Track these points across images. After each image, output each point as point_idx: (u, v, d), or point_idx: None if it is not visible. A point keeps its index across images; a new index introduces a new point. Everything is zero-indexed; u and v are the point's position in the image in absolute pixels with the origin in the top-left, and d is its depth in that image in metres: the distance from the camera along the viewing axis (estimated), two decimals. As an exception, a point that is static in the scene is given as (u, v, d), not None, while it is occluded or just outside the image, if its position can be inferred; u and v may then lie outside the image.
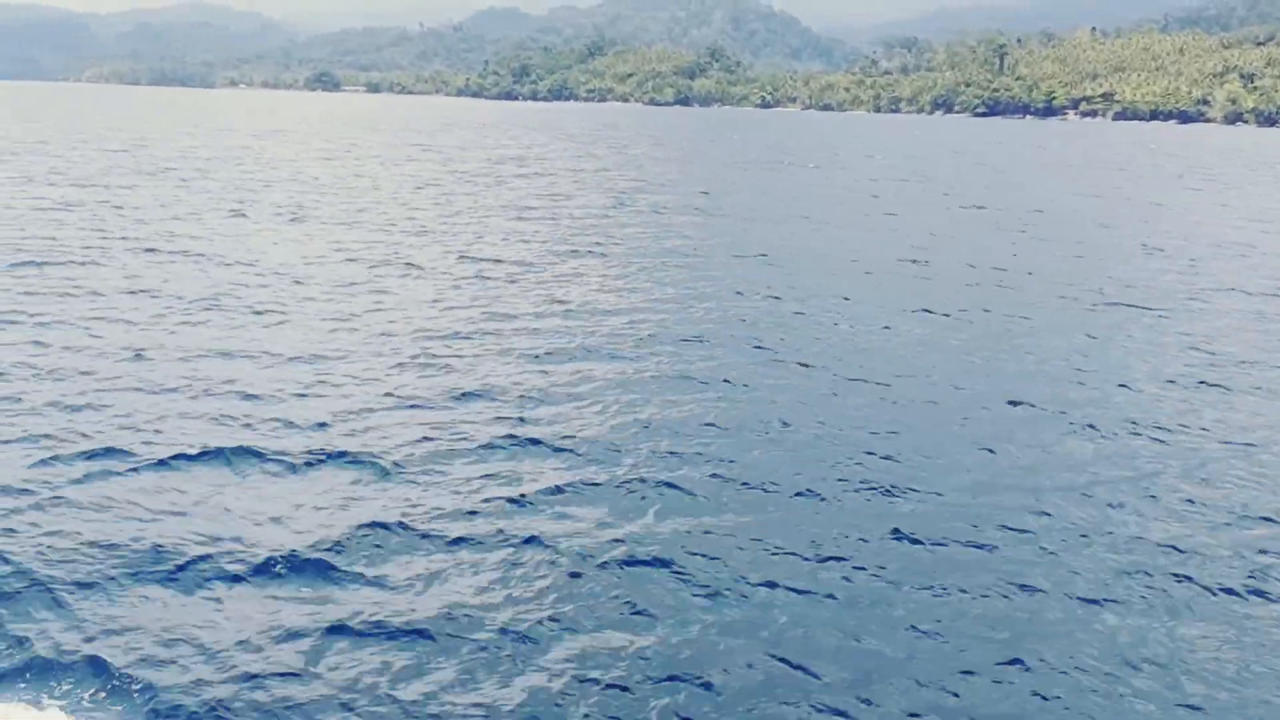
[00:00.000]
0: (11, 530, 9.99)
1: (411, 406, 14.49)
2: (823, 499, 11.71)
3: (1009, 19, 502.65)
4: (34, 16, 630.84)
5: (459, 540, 10.39)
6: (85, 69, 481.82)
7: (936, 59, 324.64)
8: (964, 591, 9.64)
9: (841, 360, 17.74)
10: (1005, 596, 9.57)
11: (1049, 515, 11.41)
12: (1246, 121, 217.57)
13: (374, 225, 32.15)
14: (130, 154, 59.29)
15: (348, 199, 39.56)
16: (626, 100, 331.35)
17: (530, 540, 10.45)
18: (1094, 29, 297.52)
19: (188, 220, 31.44)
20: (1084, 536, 10.89)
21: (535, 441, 13.26)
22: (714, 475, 12.29)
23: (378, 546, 10.23)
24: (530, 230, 32.44)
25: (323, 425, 13.40)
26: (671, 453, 13.08)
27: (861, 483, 12.19)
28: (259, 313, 19.39)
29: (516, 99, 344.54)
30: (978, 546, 10.62)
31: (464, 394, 15.14)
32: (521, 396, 15.13)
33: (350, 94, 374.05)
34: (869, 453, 13.16)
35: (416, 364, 16.60)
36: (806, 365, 17.38)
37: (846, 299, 22.87)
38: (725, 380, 16.42)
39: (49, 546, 9.74)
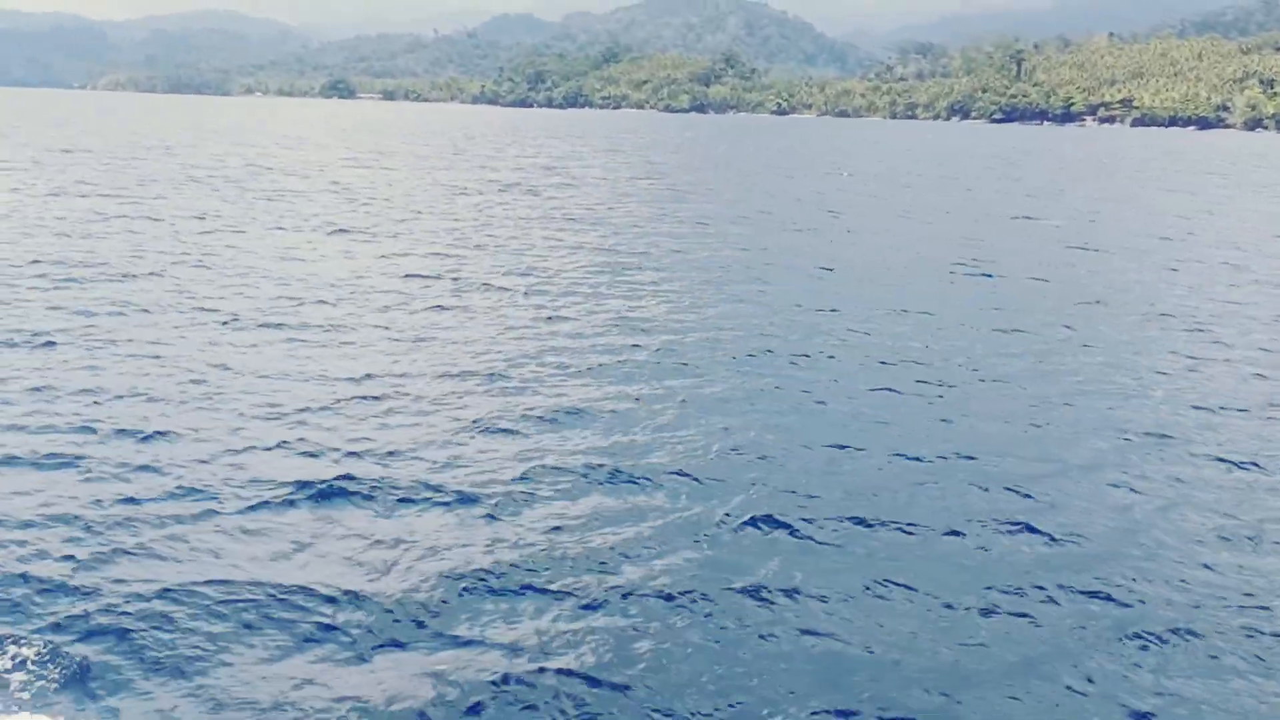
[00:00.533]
0: (96, 590, 9.03)
1: (497, 433, 13.53)
2: (978, 547, 10.65)
3: (1024, 24, 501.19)
4: (51, 24, 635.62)
5: (581, 598, 9.39)
6: (102, 76, 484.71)
7: (953, 65, 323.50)
8: (1166, 669, 8.59)
9: (950, 384, 16.65)
10: (1220, 678, 8.53)
11: (1235, 572, 10.33)
12: (1266, 128, 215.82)
13: (417, 238, 31.27)
14: (158, 163, 58.67)
15: (385, 209, 38.69)
16: (641, 107, 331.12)
17: (658, 596, 9.45)
18: (1111, 34, 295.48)
19: (229, 233, 30.59)
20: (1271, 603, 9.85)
21: (635, 475, 12.28)
22: (848, 518, 11.27)
23: (494, 602, 9.26)
24: (578, 241, 31.51)
25: (411, 457, 12.44)
26: (787, 490, 12.06)
27: (1008, 525, 11.14)
28: (323, 330, 18.46)
29: (531, 106, 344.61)
30: (1159, 609, 9.54)
31: (549, 420, 14.17)
32: (610, 421, 14.17)
33: (365, 101, 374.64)
34: (1008, 488, 12.12)
35: (492, 386, 15.65)
36: (899, 392, 16.31)
37: (929, 314, 21.84)
38: (821, 402, 15.45)
39: (137, 607, 8.79)
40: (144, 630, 8.42)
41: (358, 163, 64.76)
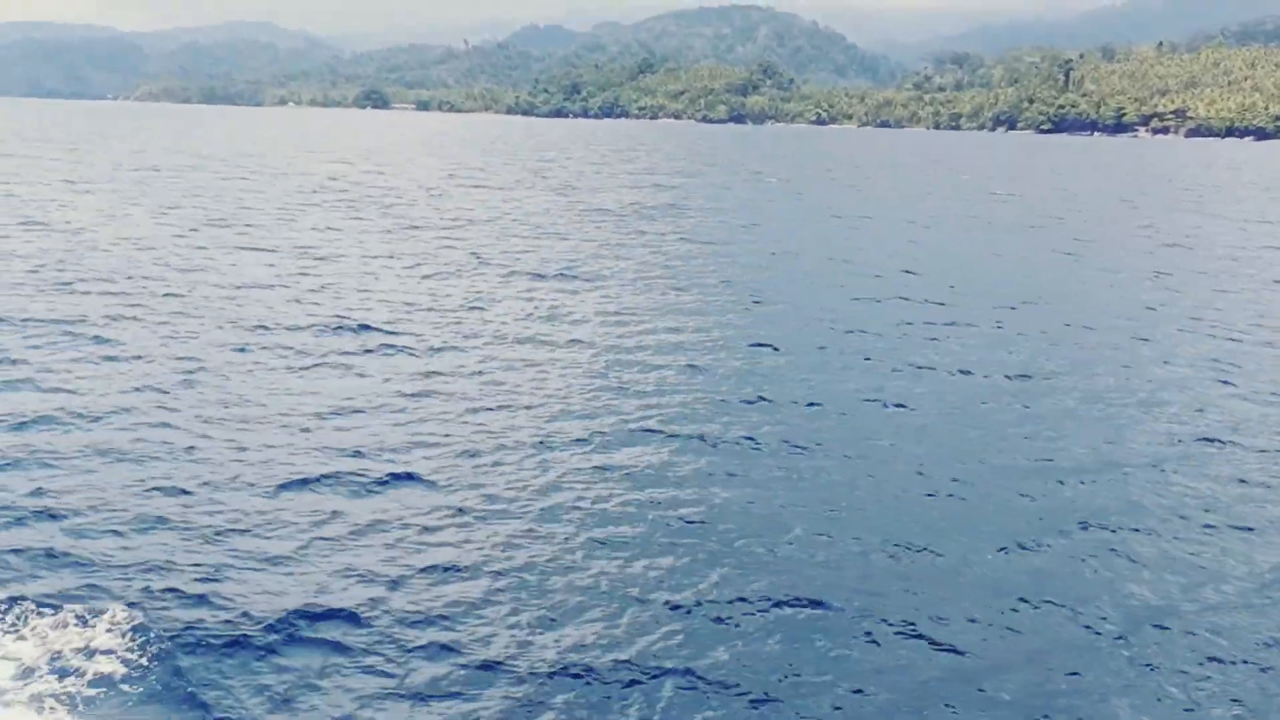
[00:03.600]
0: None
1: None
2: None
3: (1053, 35, 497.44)
4: (83, 36, 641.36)
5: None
6: (136, 88, 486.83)
7: (993, 75, 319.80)
8: None
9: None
10: None
11: None
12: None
13: (609, 281, 28.65)
14: (252, 180, 56.39)
15: (526, 243, 35.74)
16: (679, 117, 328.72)
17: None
18: (1161, 44, 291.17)
19: (419, 277, 28.08)
20: None
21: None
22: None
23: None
24: (781, 290, 28.76)
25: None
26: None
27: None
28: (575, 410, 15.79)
29: (567, 116, 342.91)
30: None
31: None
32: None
33: (400, 111, 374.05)
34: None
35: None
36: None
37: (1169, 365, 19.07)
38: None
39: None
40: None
41: (456, 180, 62.19)
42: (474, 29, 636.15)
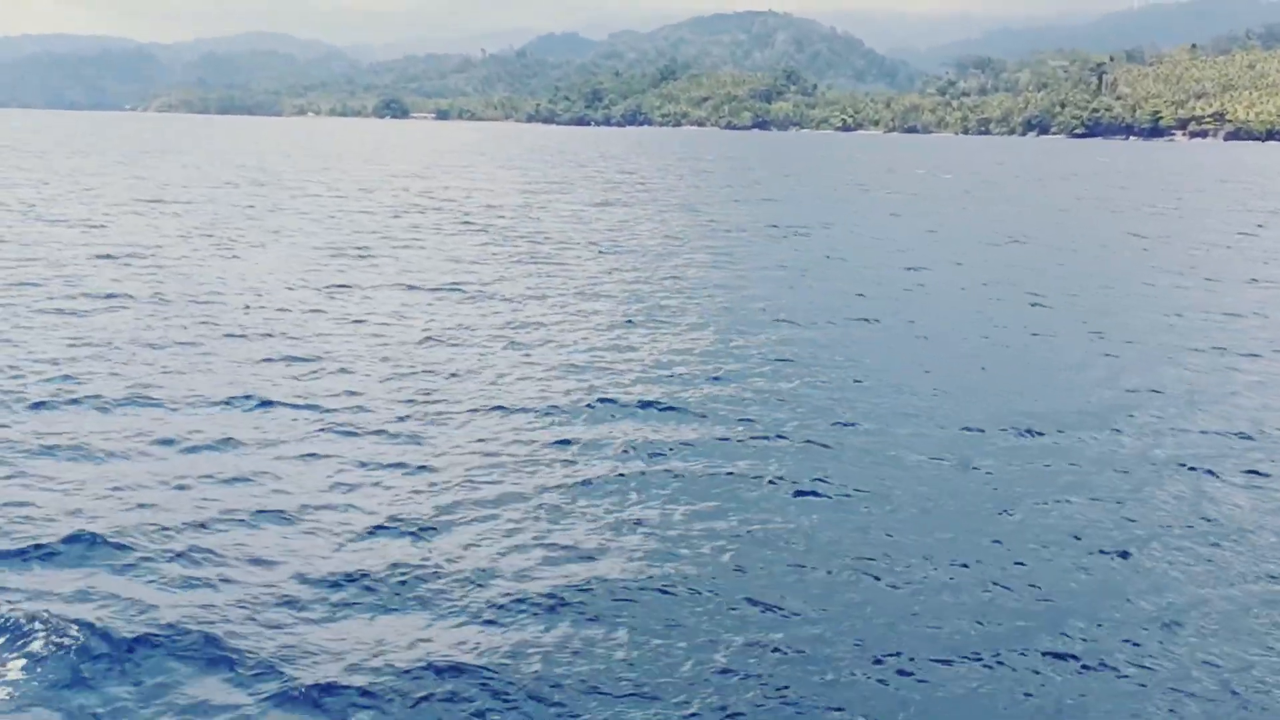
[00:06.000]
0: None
1: None
2: None
3: (1075, 39, 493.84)
4: (100, 47, 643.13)
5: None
6: (154, 98, 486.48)
7: (1019, 79, 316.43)
8: None
9: None
10: None
11: None
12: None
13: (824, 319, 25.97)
14: (338, 198, 53.76)
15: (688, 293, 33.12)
16: (702, 124, 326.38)
17: None
18: (1194, 46, 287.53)
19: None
20: None
21: None
22: None
23: None
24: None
25: None
26: None
27: None
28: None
29: (589, 124, 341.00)
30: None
31: None
32: None
33: (422, 120, 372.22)
34: None
35: None
36: None
37: None
38: None
39: None
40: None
41: (566, 197, 59.58)
42: (489, 38, 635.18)
